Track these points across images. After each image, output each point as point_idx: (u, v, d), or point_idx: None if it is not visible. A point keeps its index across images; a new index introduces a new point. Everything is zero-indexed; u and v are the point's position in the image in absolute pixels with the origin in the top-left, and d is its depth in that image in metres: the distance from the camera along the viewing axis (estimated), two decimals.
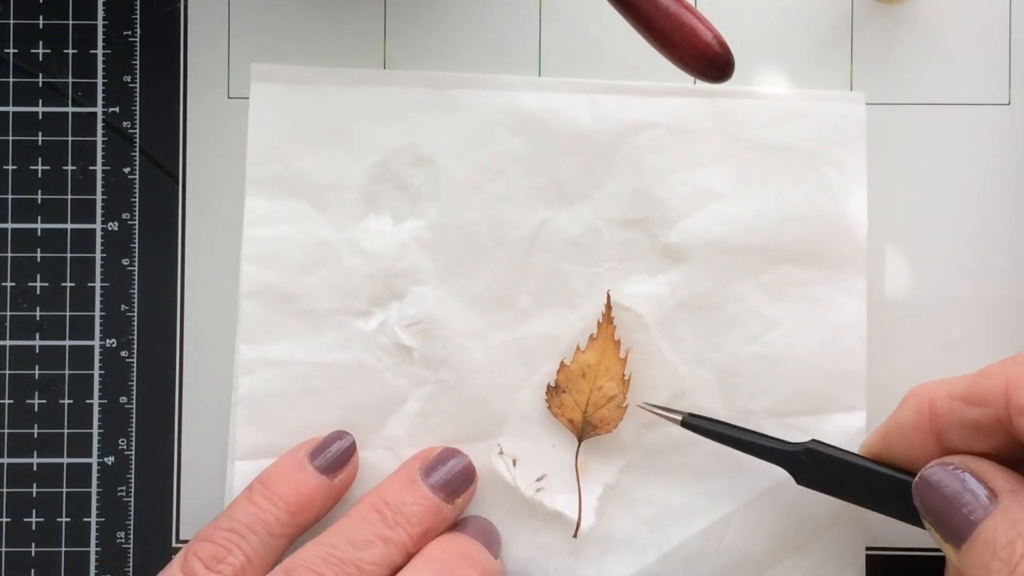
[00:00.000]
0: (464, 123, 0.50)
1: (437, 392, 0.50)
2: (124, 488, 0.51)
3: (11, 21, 0.51)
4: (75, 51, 0.51)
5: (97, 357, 0.51)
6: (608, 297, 0.50)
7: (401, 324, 0.50)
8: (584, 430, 0.49)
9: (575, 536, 0.49)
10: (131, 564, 0.51)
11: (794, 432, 0.49)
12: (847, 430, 0.49)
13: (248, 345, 0.50)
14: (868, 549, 0.49)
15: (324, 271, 0.50)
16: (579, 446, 0.49)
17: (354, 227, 0.50)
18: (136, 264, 0.51)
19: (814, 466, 0.46)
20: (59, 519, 0.51)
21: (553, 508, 0.49)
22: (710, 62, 0.42)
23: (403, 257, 0.50)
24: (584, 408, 0.49)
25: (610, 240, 0.50)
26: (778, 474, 0.47)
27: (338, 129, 0.50)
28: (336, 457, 0.48)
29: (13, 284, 0.51)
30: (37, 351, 0.51)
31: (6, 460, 0.51)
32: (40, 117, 0.51)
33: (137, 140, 0.51)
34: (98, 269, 0.51)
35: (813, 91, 0.50)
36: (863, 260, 0.49)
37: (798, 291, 0.49)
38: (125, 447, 0.51)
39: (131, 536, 0.51)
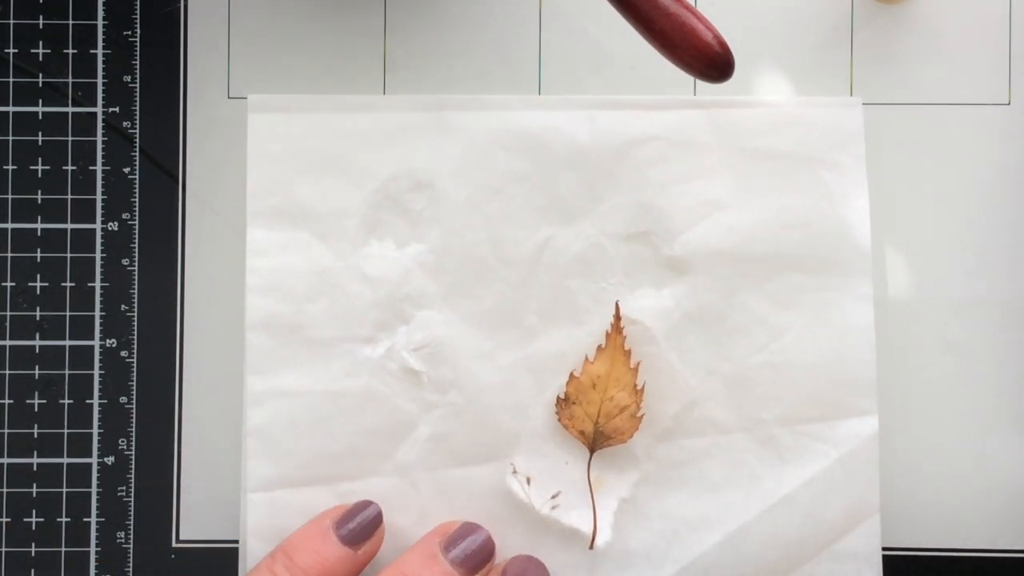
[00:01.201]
0: (461, 145, 0.50)
1: (448, 415, 0.50)
2: (124, 488, 0.51)
3: (11, 21, 0.51)
4: (75, 51, 0.51)
5: (97, 357, 0.51)
6: (617, 307, 0.49)
7: (408, 348, 0.50)
8: (596, 441, 0.49)
9: (591, 547, 0.49)
10: (131, 564, 0.51)
11: (807, 440, 0.49)
12: (860, 435, 0.49)
13: (256, 376, 0.50)
14: (884, 549, 0.49)
15: (328, 299, 0.50)
16: (591, 457, 0.49)
17: (356, 254, 0.50)
18: (136, 264, 0.51)
19: None
20: (59, 519, 0.51)
21: (569, 525, 0.49)
22: (710, 62, 0.42)
23: (407, 282, 0.50)
24: (595, 419, 0.49)
25: (614, 255, 0.50)
26: (792, 481, 0.47)
27: (337, 156, 0.50)
28: (362, 528, 0.47)
29: (13, 284, 0.51)
30: (37, 351, 0.51)
31: (6, 460, 0.51)
32: (40, 117, 0.51)
33: (137, 140, 0.51)
34: (98, 269, 0.51)
35: (810, 97, 0.50)
36: (867, 264, 0.49)
37: (804, 298, 0.49)
38: (125, 447, 0.51)
39: (131, 536, 0.51)
